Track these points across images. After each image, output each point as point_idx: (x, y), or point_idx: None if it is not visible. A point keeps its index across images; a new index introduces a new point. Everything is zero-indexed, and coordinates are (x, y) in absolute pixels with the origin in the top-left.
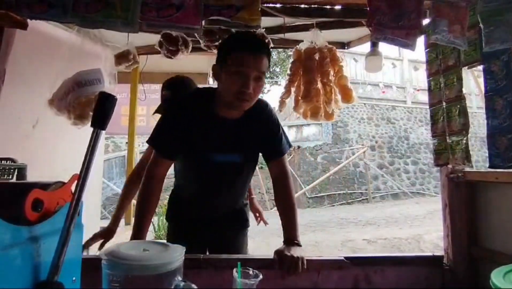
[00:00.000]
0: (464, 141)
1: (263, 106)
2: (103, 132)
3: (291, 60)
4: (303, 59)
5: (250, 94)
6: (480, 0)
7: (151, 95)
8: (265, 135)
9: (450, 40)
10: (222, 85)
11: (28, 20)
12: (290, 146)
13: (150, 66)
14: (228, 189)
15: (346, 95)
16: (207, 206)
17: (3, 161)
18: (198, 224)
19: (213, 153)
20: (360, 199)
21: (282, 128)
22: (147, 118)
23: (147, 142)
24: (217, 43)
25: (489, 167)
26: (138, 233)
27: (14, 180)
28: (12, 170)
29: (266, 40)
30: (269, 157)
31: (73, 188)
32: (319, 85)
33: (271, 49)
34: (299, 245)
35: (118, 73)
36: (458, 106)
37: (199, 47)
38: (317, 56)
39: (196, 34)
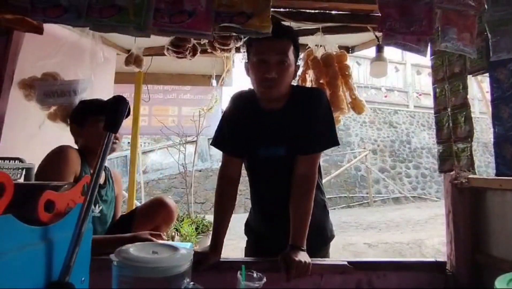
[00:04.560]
0: (469, 148)
1: (312, 92)
2: None
3: (303, 67)
4: (322, 65)
5: (274, 79)
6: (487, 9)
7: (154, 95)
8: (309, 124)
9: (460, 48)
10: (250, 78)
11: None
12: (334, 144)
13: (154, 67)
14: (284, 188)
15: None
16: (273, 213)
17: (11, 161)
18: (272, 239)
19: (260, 147)
20: (361, 202)
21: (332, 121)
22: (149, 118)
23: (211, 144)
24: (226, 48)
25: (496, 175)
26: (214, 237)
27: (21, 180)
28: (20, 170)
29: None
30: (300, 149)
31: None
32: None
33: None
34: (303, 250)
35: (123, 73)
36: (464, 113)
37: (204, 49)
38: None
39: None
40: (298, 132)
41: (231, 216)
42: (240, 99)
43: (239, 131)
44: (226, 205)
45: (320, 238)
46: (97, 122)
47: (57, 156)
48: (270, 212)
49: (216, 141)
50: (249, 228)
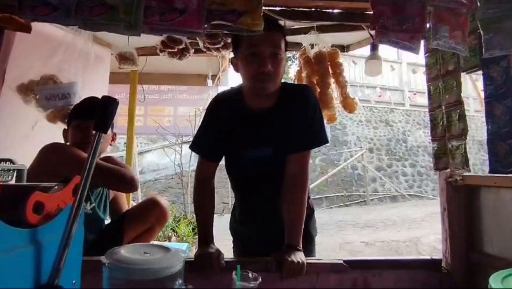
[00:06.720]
0: (463, 146)
1: (300, 90)
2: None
3: (298, 66)
4: (313, 64)
5: (270, 72)
6: (480, 7)
7: (150, 96)
8: (296, 123)
9: (451, 46)
10: (241, 73)
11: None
12: (324, 142)
13: (149, 67)
14: (272, 189)
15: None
16: (259, 213)
17: (2, 162)
18: (257, 241)
19: (247, 148)
20: (358, 201)
21: (320, 119)
22: (145, 118)
23: (189, 147)
24: (218, 46)
25: (490, 172)
26: (201, 239)
27: (13, 181)
28: (11, 172)
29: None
30: (290, 148)
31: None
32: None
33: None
34: (299, 250)
35: (118, 74)
36: (458, 111)
37: (198, 48)
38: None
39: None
40: (287, 131)
41: (214, 212)
42: (223, 100)
43: (223, 133)
44: (208, 205)
45: (306, 237)
46: (75, 127)
47: (64, 149)
48: (257, 213)
49: (195, 145)
50: (233, 231)
